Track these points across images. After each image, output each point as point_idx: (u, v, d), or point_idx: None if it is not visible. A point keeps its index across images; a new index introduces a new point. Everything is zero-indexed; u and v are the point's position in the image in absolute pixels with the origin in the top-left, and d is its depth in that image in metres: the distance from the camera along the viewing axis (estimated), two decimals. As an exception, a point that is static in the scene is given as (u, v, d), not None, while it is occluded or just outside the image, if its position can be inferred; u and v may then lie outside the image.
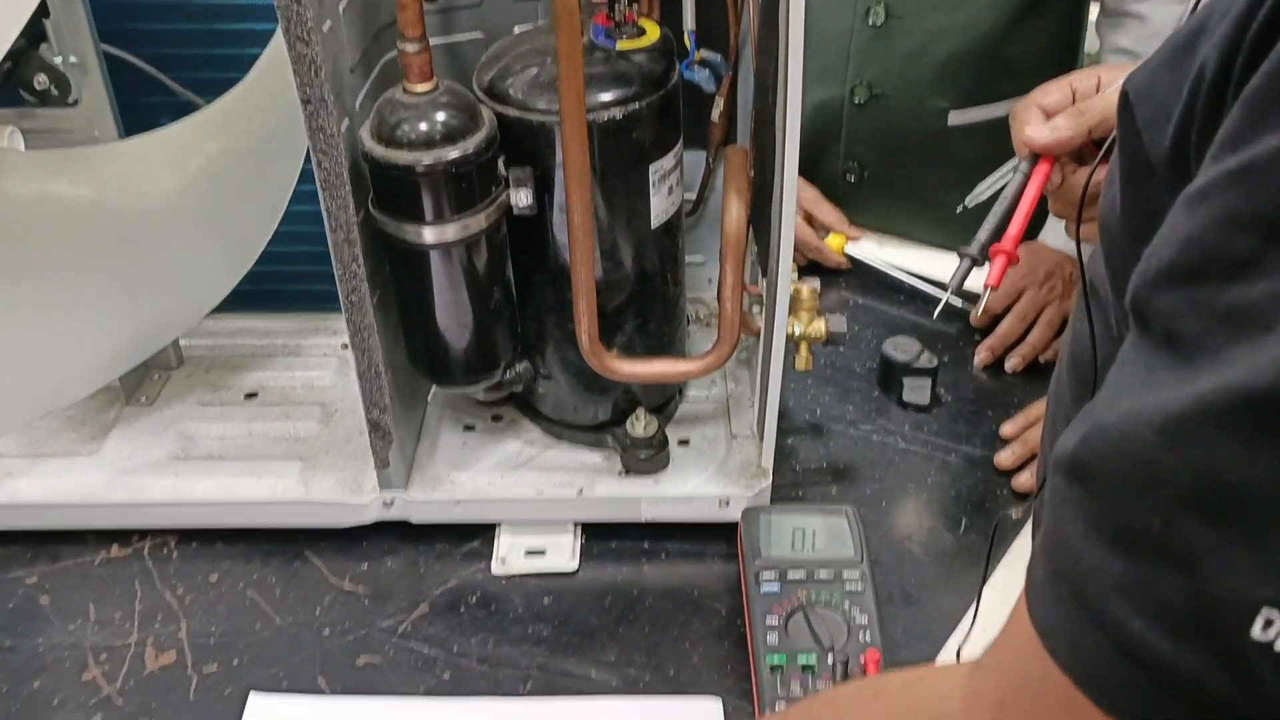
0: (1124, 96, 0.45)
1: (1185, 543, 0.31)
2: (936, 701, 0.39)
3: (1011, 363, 1.04)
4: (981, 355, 1.05)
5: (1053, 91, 0.76)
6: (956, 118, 1.15)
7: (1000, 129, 1.12)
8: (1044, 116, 0.75)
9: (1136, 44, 1.09)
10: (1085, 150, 0.75)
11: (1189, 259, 0.34)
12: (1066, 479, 0.36)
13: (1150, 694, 0.32)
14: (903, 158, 1.18)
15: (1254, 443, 0.30)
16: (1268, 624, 0.30)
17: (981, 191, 0.85)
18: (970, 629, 0.76)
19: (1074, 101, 0.75)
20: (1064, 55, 1.17)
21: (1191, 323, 0.34)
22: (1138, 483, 0.33)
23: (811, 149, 1.23)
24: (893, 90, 1.14)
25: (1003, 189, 0.78)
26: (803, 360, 0.86)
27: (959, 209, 0.88)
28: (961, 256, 0.78)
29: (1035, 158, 0.76)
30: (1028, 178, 0.76)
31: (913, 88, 1.14)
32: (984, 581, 0.76)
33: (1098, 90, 0.74)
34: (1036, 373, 1.03)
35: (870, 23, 1.11)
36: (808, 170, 1.24)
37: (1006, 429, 0.95)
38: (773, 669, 0.71)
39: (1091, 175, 0.68)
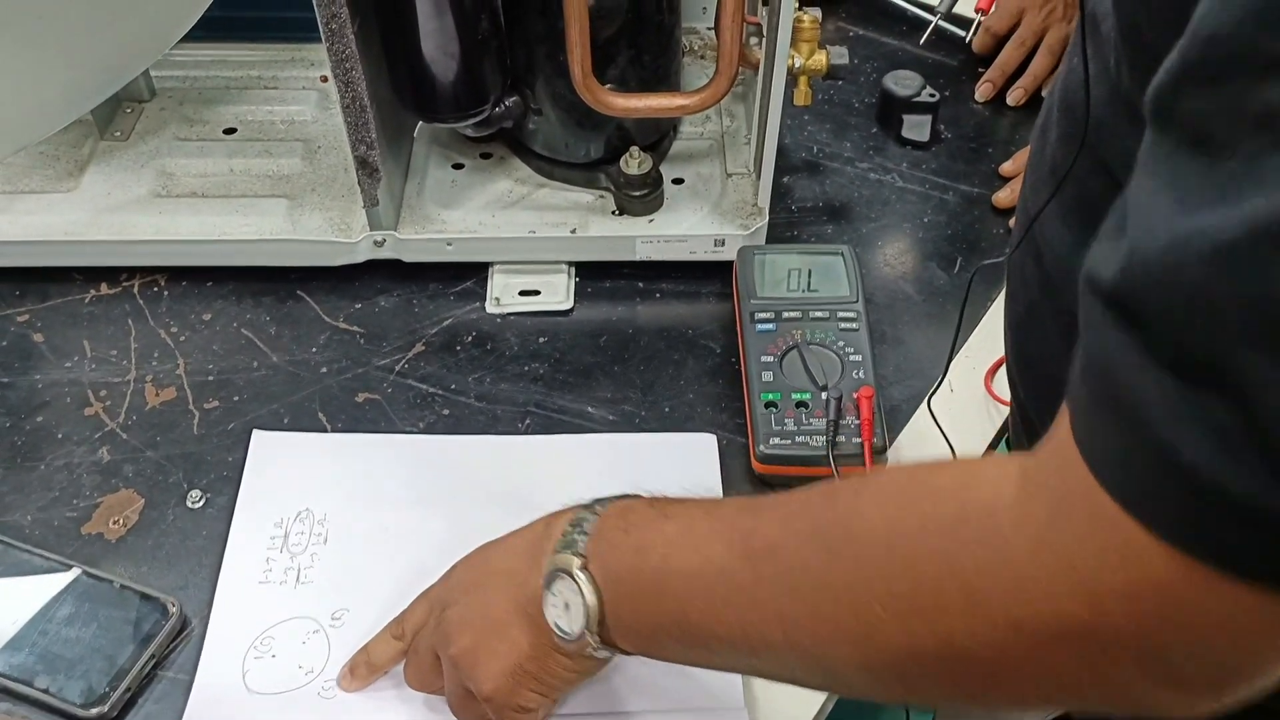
0: None
1: (1241, 371, 0.31)
2: (986, 513, 0.38)
3: (1013, 96, 1.01)
4: (982, 88, 1.01)
5: None
6: None
7: None
8: None
9: None
10: None
11: (1217, 58, 0.32)
12: (1109, 309, 0.34)
13: (1203, 515, 0.32)
14: None
15: None
16: None
17: None
18: (943, 376, 0.77)
19: None
20: None
21: (1222, 124, 0.32)
22: (1190, 316, 0.32)
23: None
24: None
25: None
26: (802, 95, 0.83)
27: None
28: None
29: None
30: None
31: None
32: (959, 330, 0.77)
33: None
34: (1039, 106, 1.00)
35: None
36: None
37: (1006, 167, 0.94)
38: (767, 405, 0.73)
39: None
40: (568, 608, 0.51)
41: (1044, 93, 1.02)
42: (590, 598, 0.50)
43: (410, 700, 0.63)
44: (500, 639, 0.55)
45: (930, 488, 0.42)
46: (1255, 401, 0.31)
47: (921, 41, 0.81)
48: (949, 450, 0.74)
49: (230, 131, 0.93)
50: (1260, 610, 0.33)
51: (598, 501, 0.54)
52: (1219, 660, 0.36)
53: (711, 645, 0.48)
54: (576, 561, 0.51)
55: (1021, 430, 0.67)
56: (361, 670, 0.63)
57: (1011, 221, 0.90)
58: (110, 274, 0.86)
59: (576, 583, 0.51)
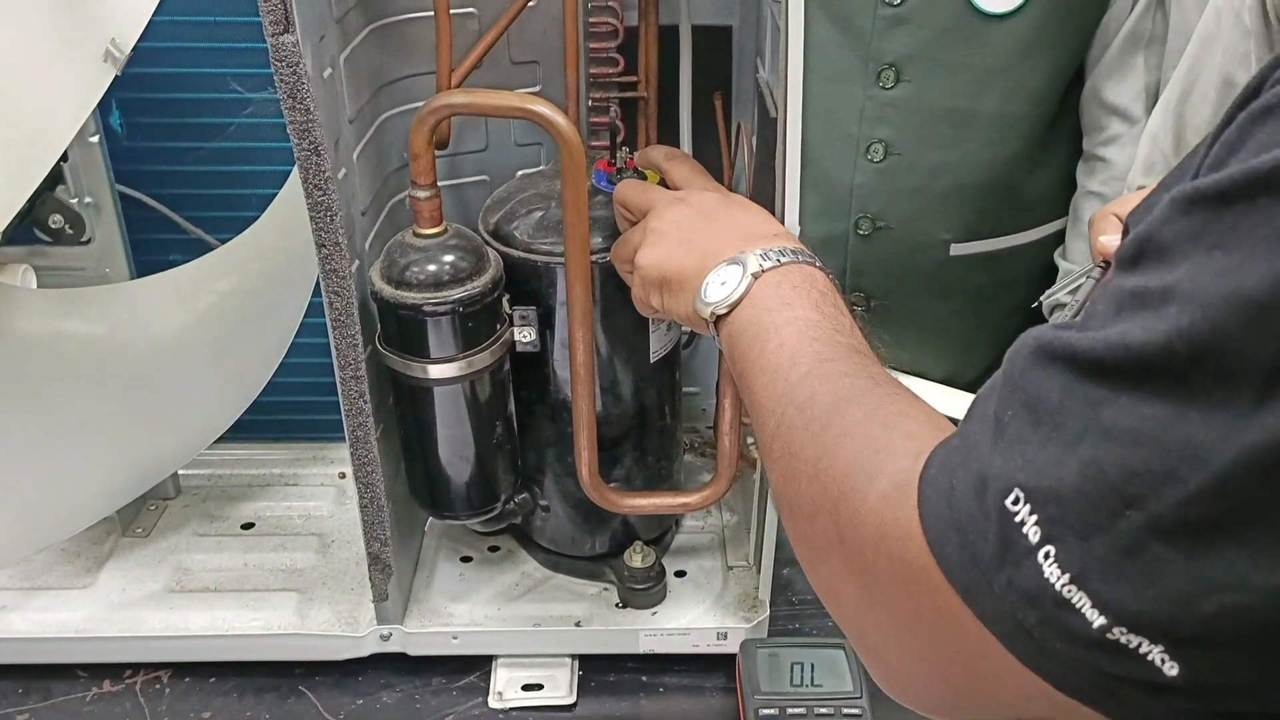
0: None
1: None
2: (888, 456, 0.46)
3: None
4: None
5: (1130, 201, 0.79)
6: (960, 249, 1.18)
7: (1001, 259, 1.17)
8: (1119, 226, 0.78)
9: (1103, 186, 1.15)
10: None
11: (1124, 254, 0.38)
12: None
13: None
14: (908, 288, 1.22)
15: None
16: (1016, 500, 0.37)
17: (1057, 294, 0.88)
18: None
19: None
20: (1070, 186, 1.21)
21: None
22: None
23: None
24: (896, 223, 1.18)
25: (1075, 291, 0.81)
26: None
27: (1035, 304, 0.90)
28: None
29: (1108, 265, 0.78)
30: (1099, 283, 0.78)
31: (916, 220, 1.18)
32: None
33: None
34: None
35: (870, 159, 1.16)
36: None
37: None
38: (775, 809, 0.71)
39: None
40: (724, 284, 0.62)
41: None
42: (736, 295, 0.61)
43: None
44: (680, 254, 0.67)
45: (899, 431, 0.49)
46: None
47: None
48: None
49: (248, 526, 0.96)
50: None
51: (803, 251, 0.64)
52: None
53: (754, 393, 0.58)
54: (754, 267, 0.62)
55: None
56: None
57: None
58: (114, 670, 0.86)
59: (741, 280, 0.61)
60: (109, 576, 0.90)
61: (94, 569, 0.90)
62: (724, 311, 0.62)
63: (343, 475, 1.01)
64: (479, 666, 0.86)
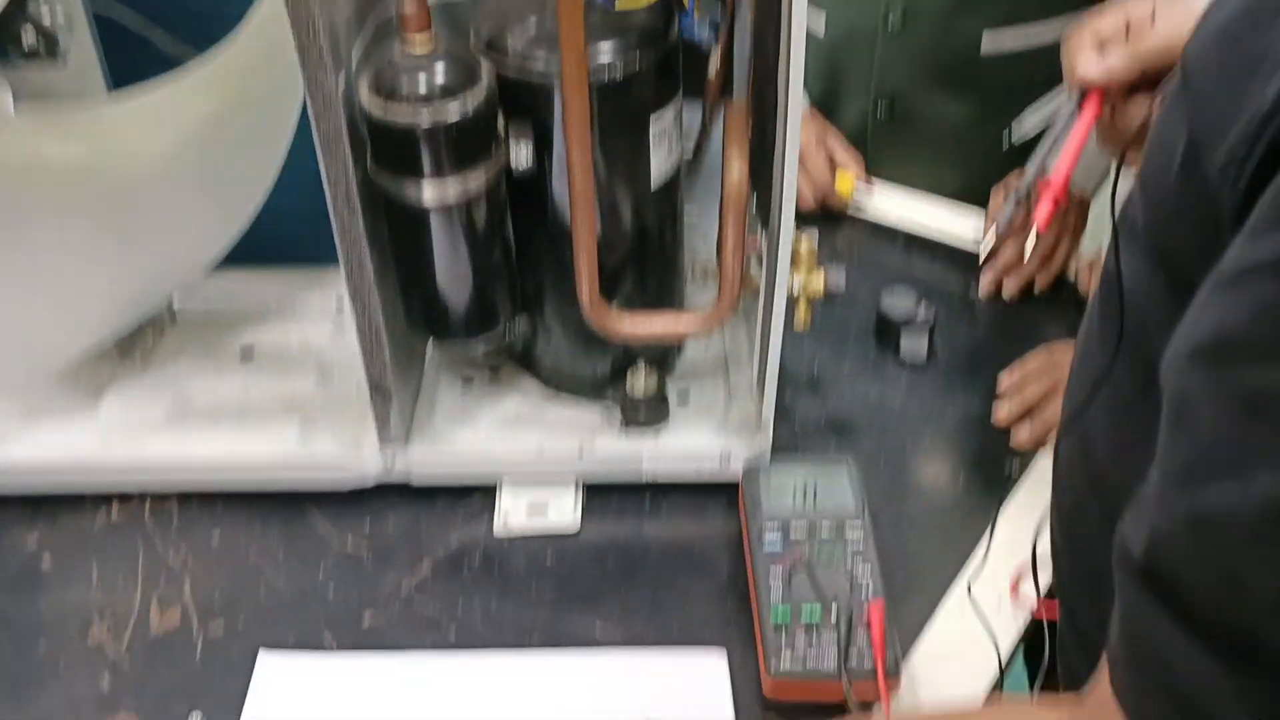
0: (1183, 68, 0.45)
1: (1271, 645, 0.32)
2: None
3: (1007, 289, 1.05)
4: (985, 282, 1.06)
5: (1107, 18, 0.73)
6: (990, 44, 1.14)
7: (1034, 56, 1.11)
8: (1097, 43, 0.72)
9: None
10: (1137, 82, 0.73)
11: (1217, 341, 0.35)
12: (1139, 583, 0.37)
13: None
14: (933, 88, 1.18)
15: None
16: None
17: (1028, 126, 0.85)
18: (974, 579, 0.77)
19: (1128, 31, 0.72)
20: None
21: (1208, 402, 0.35)
22: (1220, 591, 0.34)
23: (836, 83, 1.22)
24: (925, 12, 1.14)
25: (1051, 123, 0.78)
26: (801, 320, 0.85)
27: (1005, 144, 0.87)
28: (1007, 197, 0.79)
29: (1084, 95, 0.75)
30: (1076, 111, 0.75)
31: (947, 8, 1.13)
32: (989, 546, 0.77)
33: (1152, 21, 0.71)
34: (1033, 319, 1.04)
35: None
36: (829, 109, 1.23)
37: (1002, 384, 0.96)
38: (776, 626, 0.72)
39: (1146, 116, 0.68)
40: None
41: (1036, 290, 1.06)
42: None
43: None
44: None
45: None
46: None
47: (981, 261, 0.93)
48: (972, 660, 0.73)
49: (247, 354, 0.95)
50: None
51: None
52: None
53: None
54: None
55: (1065, 623, 0.67)
56: None
57: (1013, 440, 0.91)
58: (122, 496, 0.86)
59: None
60: (110, 405, 0.90)
61: (94, 396, 0.90)
62: None
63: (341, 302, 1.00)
64: (483, 492, 0.87)
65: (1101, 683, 0.38)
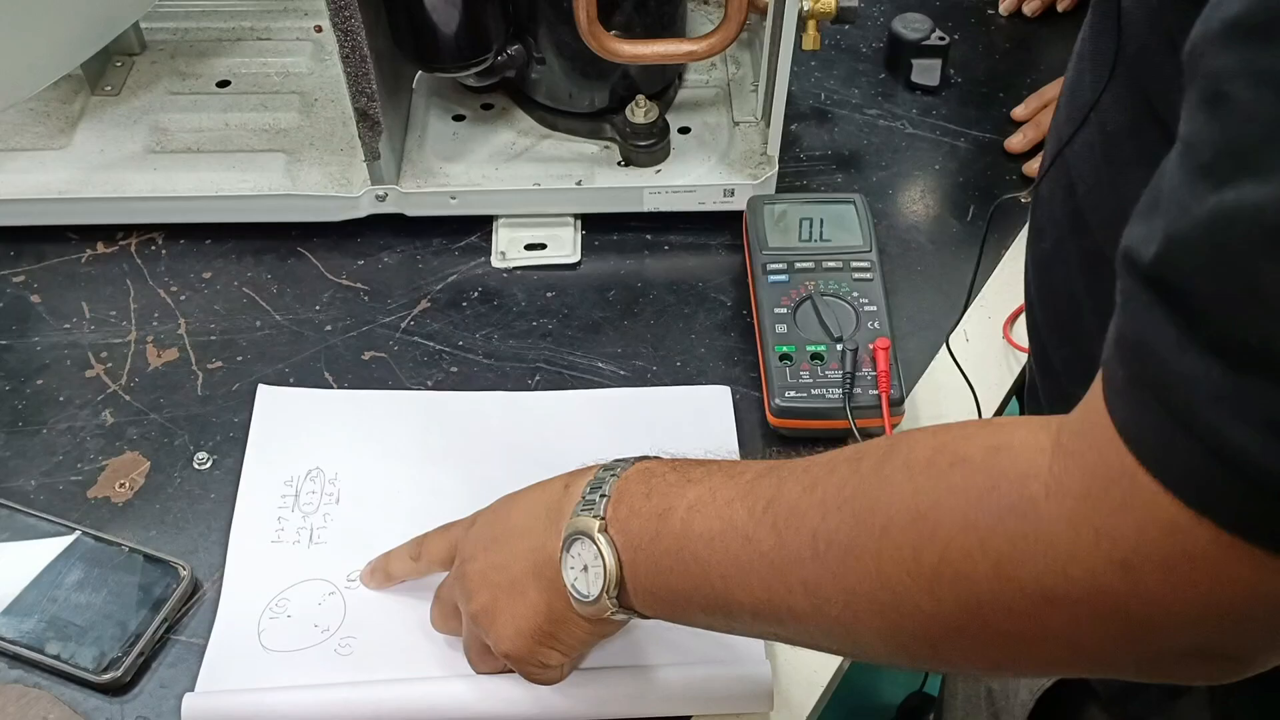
0: None
1: None
2: (1017, 482, 0.38)
3: (1029, 6, 1.01)
4: (1005, 2, 1.01)
5: None
6: None
7: None
8: None
9: None
10: None
11: (1254, 12, 0.31)
12: (1148, 290, 0.34)
13: (1252, 498, 0.32)
14: None
15: None
16: None
17: None
18: (961, 316, 0.76)
19: None
20: None
21: (1242, 87, 0.31)
22: (1238, 299, 0.31)
23: None
24: None
25: None
26: (810, 39, 0.81)
27: None
28: None
29: None
30: None
31: None
32: (977, 269, 0.76)
33: None
34: (1053, 44, 0.99)
35: None
36: None
37: (1018, 111, 0.92)
38: (781, 358, 0.72)
39: None
40: (586, 570, 0.51)
41: (1060, 8, 1.00)
42: (610, 561, 0.50)
43: (427, 656, 0.62)
44: (518, 600, 0.54)
45: (958, 455, 0.40)
46: None
47: (1003, 9, 0.87)
48: (972, 397, 0.73)
49: (224, 84, 0.90)
50: None
51: (618, 462, 0.53)
52: (1257, 634, 0.36)
53: (733, 612, 0.48)
54: (596, 524, 0.50)
55: (1038, 371, 0.66)
56: (379, 577, 0.64)
57: (1025, 167, 0.88)
58: (106, 233, 0.84)
59: (596, 546, 0.50)
60: (84, 137, 0.85)
61: (67, 129, 0.86)
62: (614, 575, 0.50)
63: (319, 29, 0.94)
64: (479, 227, 0.85)
65: (1093, 398, 0.37)
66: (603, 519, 0.50)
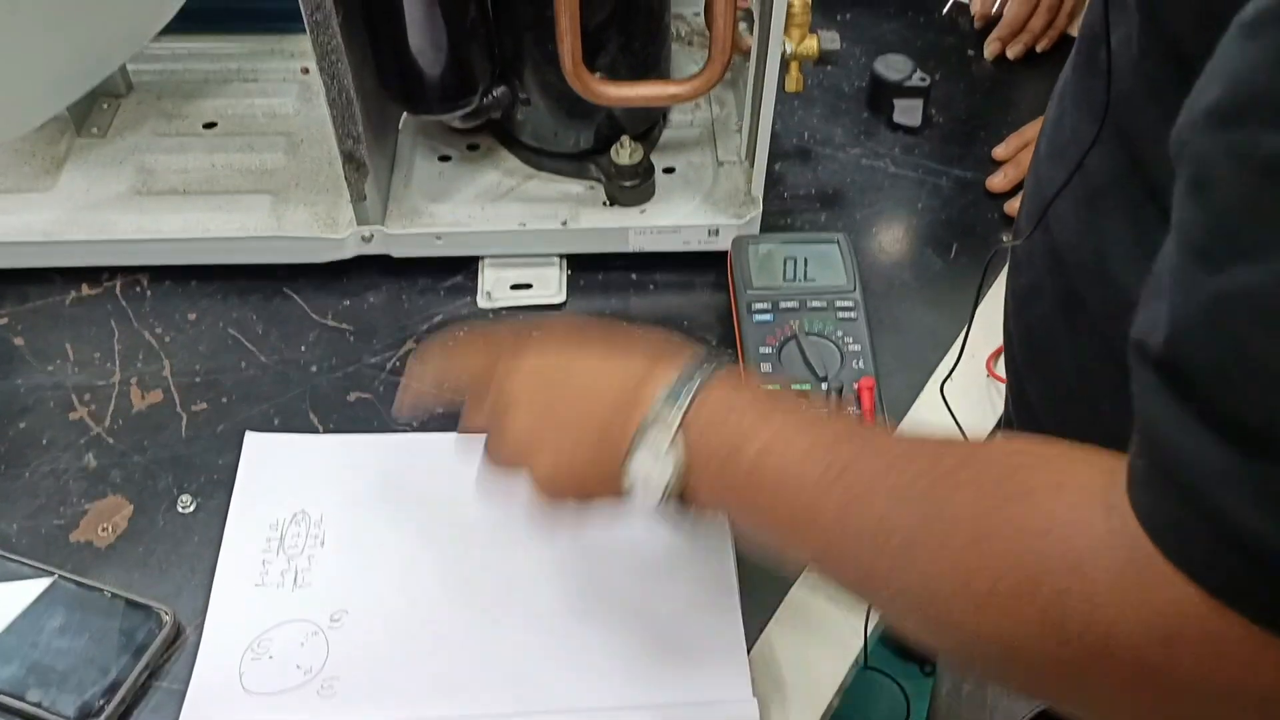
0: None
1: None
2: (1071, 529, 0.37)
3: (1012, 51, 1.02)
4: (991, 46, 1.03)
5: None
6: None
7: None
8: None
9: None
10: None
11: (1235, 98, 0.31)
12: (1156, 373, 0.34)
13: (1270, 586, 0.32)
14: None
15: None
16: None
17: None
18: (959, 358, 0.76)
19: None
20: None
21: (1224, 170, 0.32)
22: (1235, 377, 0.32)
23: None
24: None
25: None
26: (794, 81, 0.82)
27: None
28: None
29: None
30: None
31: None
32: (974, 312, 0.76)
33: None
34: (1033, 84, 1.00)
35: None
36: None
37: (999, 150, 0.93)
38: (767, 397, 0.72)
39: None
40: (655, 460, 0.50)
41: (1039, 48, 1.02)
42: (680, 463, 0.49)
43: (411, 698, 0.62)
44: (577, 447, 0.53)
45: (1024, 486, 0.40)
46: None
47: (943, 11, 0.87)
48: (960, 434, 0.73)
49: (210, 126, 0.91)
50: None
51: (707, 359, 0.52)
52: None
53: (786, 549, 0.49)
54: (676, 421, 0.49)
55: (1014, 404, 0.66)
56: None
57: (1006, 206, 0.89)
58: (91, 274, 0.84)
59: (672, 444, 0.49)
60: (70, 178, 0.85)
61: (53, 170, 0.86)
62: (679, 477, 0.49)
63: (305, 70, 0.94)
64: (465, 267, 0.85)
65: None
66: (684, 415, 0.49)
